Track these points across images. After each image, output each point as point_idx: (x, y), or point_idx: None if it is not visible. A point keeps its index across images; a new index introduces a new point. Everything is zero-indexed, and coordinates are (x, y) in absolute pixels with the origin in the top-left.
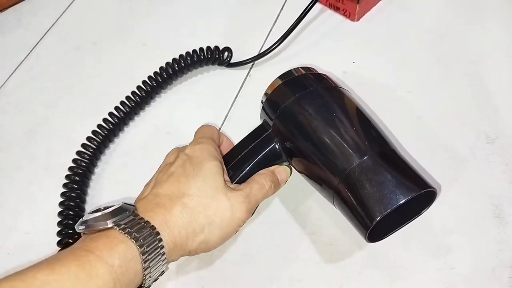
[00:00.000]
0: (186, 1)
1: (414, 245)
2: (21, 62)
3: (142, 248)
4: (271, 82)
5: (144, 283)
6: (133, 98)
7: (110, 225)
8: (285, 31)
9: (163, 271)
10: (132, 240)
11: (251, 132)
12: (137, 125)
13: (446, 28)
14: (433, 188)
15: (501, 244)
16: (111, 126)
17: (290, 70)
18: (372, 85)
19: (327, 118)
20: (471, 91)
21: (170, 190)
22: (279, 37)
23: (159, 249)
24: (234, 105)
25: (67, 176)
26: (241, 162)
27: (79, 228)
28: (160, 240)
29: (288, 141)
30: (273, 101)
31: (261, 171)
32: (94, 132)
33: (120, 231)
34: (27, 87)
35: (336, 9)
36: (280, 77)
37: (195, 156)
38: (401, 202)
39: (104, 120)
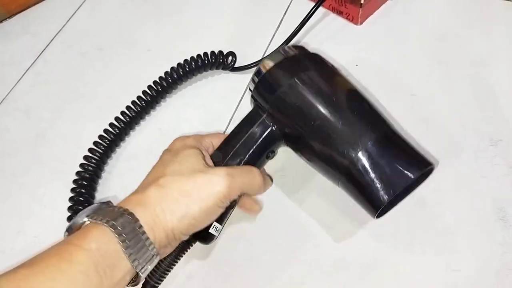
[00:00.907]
0: (190, 6)
1: (417, 247)
2: (28, 68)
3: (117, 230)
4: (259, 64)
5: (137, 268)
6: (138, 103)
7: (85, 219)
8: (288, 35)
9: (153, 255)
10: (104, 224)
11: (243, 120)
12: (143, 129)
13: (447, 31)
14: (433, 164)
15: (505, 246)
16: (117, 131)
17: (279, 51)
18: (375, 88)
19: (329, 102)
20: (474, 93)
21: (147, 179)
22: (283, 41)
23: (137, 229)
24: (238, 108)
25: (74, 181)
26: (239, 151)
27: (65, 235)
28: (137, 220)
29: (289, 127)
30: (266, 85)
31: None
32: (100, 137)
33: (94, 220)
34: (34, 92)
35: (340, 13)
36: (270, 58)
37: (174, 148)
38: (410, 182)
39: (110, 125)
